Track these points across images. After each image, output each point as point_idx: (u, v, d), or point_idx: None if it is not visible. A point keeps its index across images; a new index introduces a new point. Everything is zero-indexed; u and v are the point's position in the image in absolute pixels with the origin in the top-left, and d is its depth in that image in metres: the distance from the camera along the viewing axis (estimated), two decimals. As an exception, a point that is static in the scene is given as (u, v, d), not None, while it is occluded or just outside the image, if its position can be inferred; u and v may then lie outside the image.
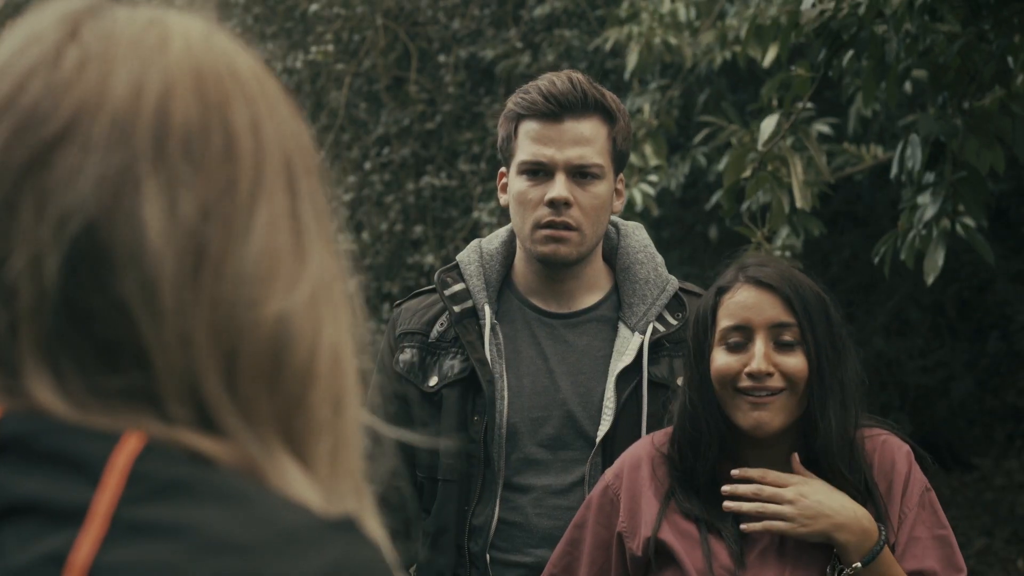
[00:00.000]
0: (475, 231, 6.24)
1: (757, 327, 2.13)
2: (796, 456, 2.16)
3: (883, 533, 2.10)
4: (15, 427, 0.72)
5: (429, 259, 6.40)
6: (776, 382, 2.12)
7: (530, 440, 2.44)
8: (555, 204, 2.41)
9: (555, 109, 2.42)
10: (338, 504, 0.78)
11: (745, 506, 2.13)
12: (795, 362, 2.12)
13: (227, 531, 0.68)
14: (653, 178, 4.97)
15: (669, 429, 2.25)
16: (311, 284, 0.78)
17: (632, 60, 5.07)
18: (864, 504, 2.13)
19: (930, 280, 3.27)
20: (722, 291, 2.18)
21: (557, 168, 2.42)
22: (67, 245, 0.73)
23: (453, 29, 6.80)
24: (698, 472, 2.18)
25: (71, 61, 0.76)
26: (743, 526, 2.12)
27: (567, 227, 2.42)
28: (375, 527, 0.79)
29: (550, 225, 2.42)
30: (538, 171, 2.43)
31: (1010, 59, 3.28)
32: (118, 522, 0.68)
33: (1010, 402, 7.17)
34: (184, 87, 0.77)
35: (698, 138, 5.06)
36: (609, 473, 2.28)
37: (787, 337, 2.13)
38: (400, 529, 2.51)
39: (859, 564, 2.08)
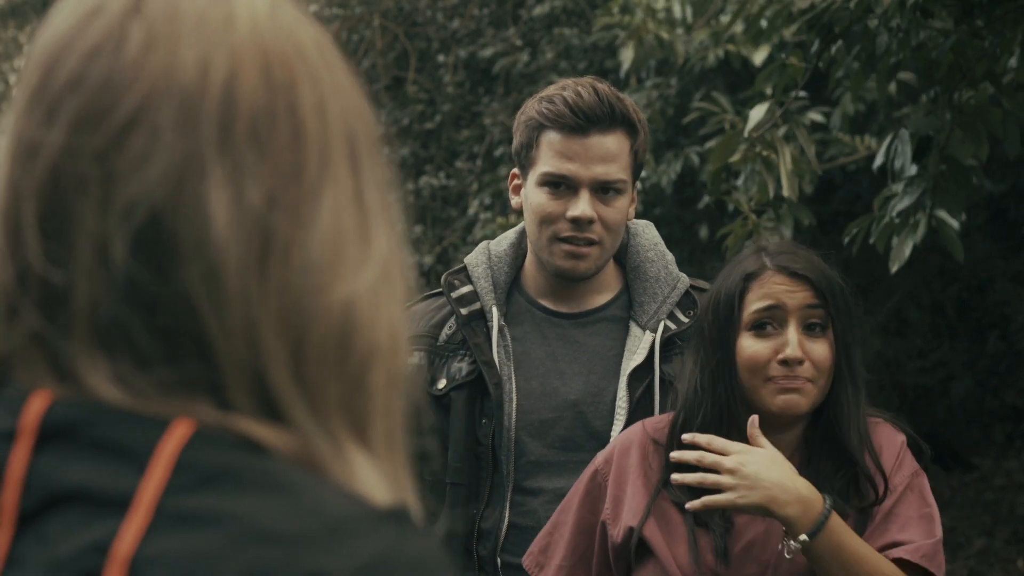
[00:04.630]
0: (470, 228, 6.25)
1: (790, 312, 2.12)
2: (755, 419, 2.08)
3: (827, 501, 2.02)
4: (64, 414, 0.70)
5: (428, 259, 6.40)
6: (807, 371, 2.10)
7: (540, 442, 2.41)
8: (579, 222, 2.36)
9: (582, 123, 2.35)
10: (397, 489, 0.76)
11: (688, 477, 2.04)
12: (822, 349, 2.11)
13: (269, 521, 0.67)
14: (642, 172, 4.96)
15: (665, 416, 2.22)
16: (376, 266, 0.76)
17: (628, 56, 5.07)
18: (850, 473, 2.09)
19: (894, 268, 3.29)
20: (750, 277, 2.15)
21: (582, 185, 2.36)
22: (132, 234, 0.71)
23: (452, 29, 6.82)
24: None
25: (137, 41, 0.74)
26: (687, 505, 2.05)
27: (589, 243, 2.38)
28: (414, 502, 0.78)
29: (571, 240, 2.38)
30: (560, 184, 2.38)
31: (1002, 56, 3.28)
32: (162, 511, 0.67)
33: (1010, 402, 7.15)
34: (250, 69, 0.74)
35: (688, 119, 5.05)
36: (600, 457, 2.24)
37: (815, 320, 2.12)
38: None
39: (806, 537, 1.99)
